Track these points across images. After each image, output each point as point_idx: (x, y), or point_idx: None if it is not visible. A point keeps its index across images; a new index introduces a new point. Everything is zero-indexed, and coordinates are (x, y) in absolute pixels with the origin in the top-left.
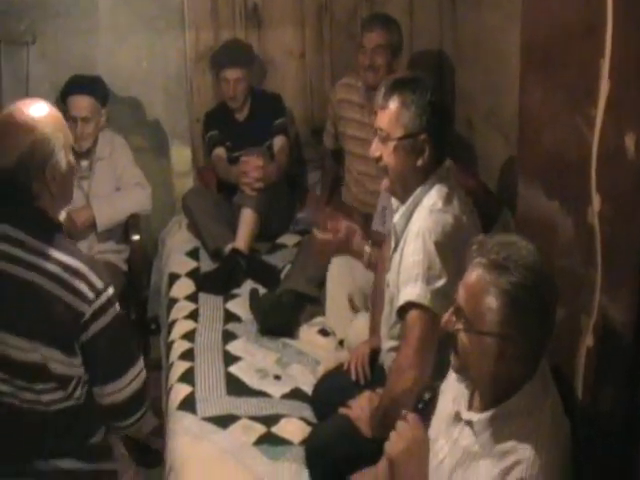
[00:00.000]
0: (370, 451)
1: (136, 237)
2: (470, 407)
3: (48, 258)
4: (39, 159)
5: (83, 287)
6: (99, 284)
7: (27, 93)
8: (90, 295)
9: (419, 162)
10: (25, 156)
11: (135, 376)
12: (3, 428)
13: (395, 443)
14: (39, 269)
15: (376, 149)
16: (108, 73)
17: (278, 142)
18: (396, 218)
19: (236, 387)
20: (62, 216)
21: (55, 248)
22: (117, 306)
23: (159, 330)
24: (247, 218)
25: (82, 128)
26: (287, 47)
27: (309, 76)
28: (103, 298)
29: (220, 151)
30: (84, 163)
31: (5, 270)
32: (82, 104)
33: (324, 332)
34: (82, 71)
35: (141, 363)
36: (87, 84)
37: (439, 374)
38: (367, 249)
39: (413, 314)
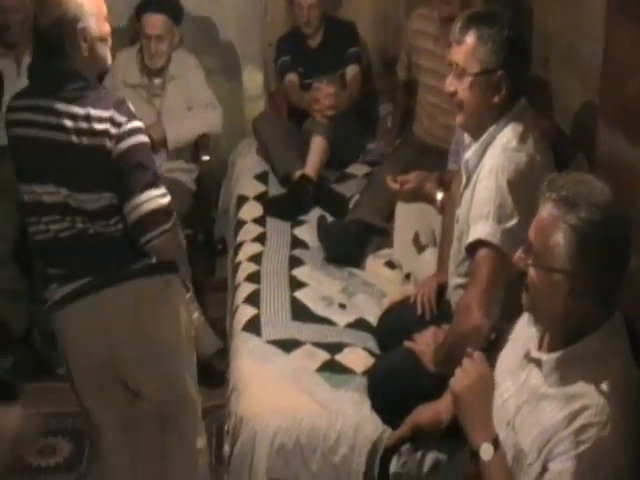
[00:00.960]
0: (432, 386)
1: (206, 157)
2: (540, 348)
3: (75, 117)
4: (70, 19)
5: (109, 127)
6: (122, 119)
7: None
8: (113, 131)
9: (495, 99)
10: (59, 17)
11: (156, 197)
12: (83, 249)
13: (460, 379)
14: (70, 129)
15: (451, 84)
16: None
17: (351, 71)
18: (468, 154)
19: (301, 313)
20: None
21: (83, 105)
22: (142, 137)
23: (225, 251)
24: (317, 145)
25: (156, 46)
26: None
27: (384, 5)
28: (126, 127)
29: (292, 77)
30: (157, 81)
31: (52, 138)
32: (156, 22)
33: (391, 264)
34: None
35: (163, 190)
36: (162, 2)
37: (507, 317)
38: (439, 196)
39: (482, 252)
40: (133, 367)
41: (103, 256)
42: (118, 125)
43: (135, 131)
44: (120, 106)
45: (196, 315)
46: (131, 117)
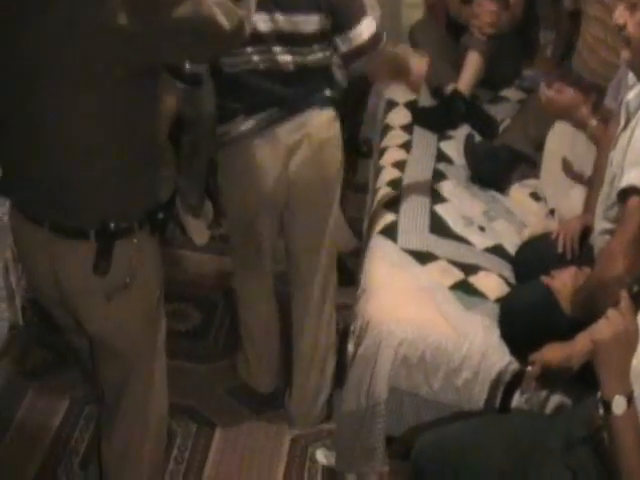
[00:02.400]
0: (566, 325)
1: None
2: None
3: None
4: None
5: None
6: None
7: None
8: None
9: None
10: None
11: (370, 24)
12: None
13: (604, 328)
14: None
15: (620, 16)
16: None
17: None
18: (630, 95)
19: (439, 227)
20: None
21: None
22: None
23: (369, 154)
24: (473, 61)
25: None
26: None
27: None
28: None
29: None
30: None
31: None
32: None
33: (536, 196)
34: None
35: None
36: None
37: None
38: (593, 122)
39: (635, 200)
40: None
41: (296, 87)
42: None
43: None
44: None
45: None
46: None
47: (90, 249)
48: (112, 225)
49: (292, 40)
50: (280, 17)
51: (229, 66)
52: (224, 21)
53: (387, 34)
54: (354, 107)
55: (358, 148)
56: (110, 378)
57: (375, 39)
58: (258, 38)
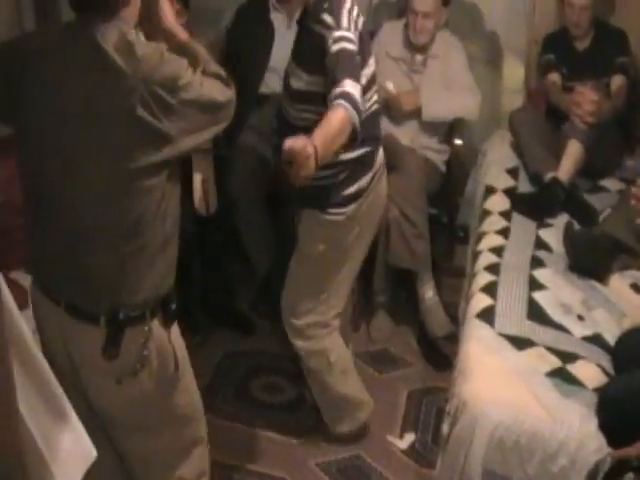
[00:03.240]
0: None
1: (459, 141)
2: None
3: None
4: None
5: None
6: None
7: None
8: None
9: None
10: None
11: None
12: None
13: None
14: None
15: None
16: None
17: (617, 81)
18: None
19: (537, 314)
20: None
21: None
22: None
23: (465, 239)
24: (573, 150)
25: (422, 23)
26: None
27: None
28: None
29: (555, 76)
30: (419, 57)
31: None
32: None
33: (636, 287)
34: None
35: None
36: None
37: None
38: None
39: None
40: None
41: None
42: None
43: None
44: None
45: (430, 294)
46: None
47: (101, 334)
48: (121, 314)
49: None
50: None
51: None
52: (221, 97)
53: (486, 119)
54: (451, 192)
55: (454, 233)
56: (132, 454)
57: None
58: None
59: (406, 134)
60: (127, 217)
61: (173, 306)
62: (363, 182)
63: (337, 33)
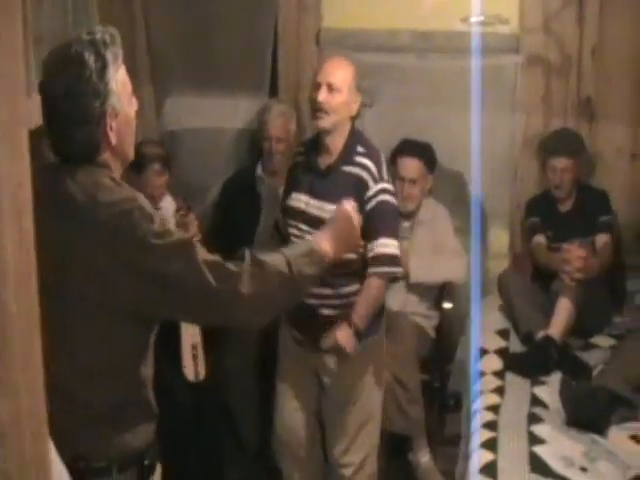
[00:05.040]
0: None
1: (448, 305)
2: None
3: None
4: None
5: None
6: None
7: None
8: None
9: None
10: None
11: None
12: None
13: None
14: None
15: None
16: (435, 144)
17: (601, 239)
18: None
19: (540, 467)
20: None
21: None
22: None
23: (457, 407)
24: (563, 307)
25: (409, 189)
26: (618, 144)
27: None
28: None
29: (540, 238)
30: (406, 225)
31: None
32: (411, 166)
33: (636, 438)
34: (412, 137)
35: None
36: (419, 148)
37: None
38: None
39: None
40: None
41: None
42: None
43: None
44: None
45: (426, 459)
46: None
47: None
48: (82, 464)
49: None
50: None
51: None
52: (212, 281)
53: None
54: (442, 358)
55: (445, 401)
56: None
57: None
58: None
59: (396, 300)
60: (90, 365)
61: (146, 462)
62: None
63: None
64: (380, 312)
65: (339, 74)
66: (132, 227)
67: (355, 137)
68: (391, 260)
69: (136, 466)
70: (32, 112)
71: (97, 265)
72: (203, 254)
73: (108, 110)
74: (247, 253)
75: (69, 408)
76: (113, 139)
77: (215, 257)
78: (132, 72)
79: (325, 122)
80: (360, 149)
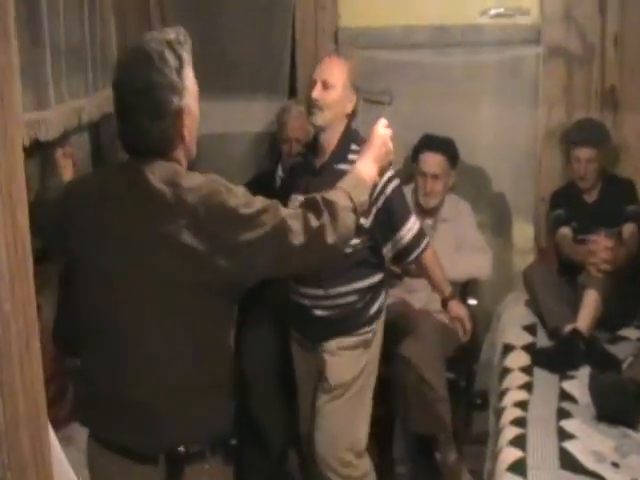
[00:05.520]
0: None
1: (473, 302)
2: None
3: None
4: None
5: None
6: None
7: None
8: None
9: None
10: None
11: None
12: None
13: None
14: None
15: None
16: (457, 138)
17: (628, 229)
18: None
19: (570, 463)
20: None
21: None
22: None
23: (484, 406)
24: (591, 300)
25: (431, 185)
26: None
27: None
28: None
29: (566, 230)
30: (428, 222)
31: None
32: (434, 161)
33: None
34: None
35: None
36: (442, 143)
37: None
38: None
39: None
40: None
41: None
42: None
43: None
44: None
45: (453, 458)
46: None
47: (158, 475)
48: (182, 449)
49: None
50: None
51: None
52: (296, 239)
53: (497, 281)
54: (468, 356)
55: (471, 399)
56: None
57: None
58: None
59: (419, 298)
60: (181, 348)
61: (233, 442)
62: (382, 301)
63: None
64: (374, 304)
65: (334, 71)
66: (222, 204)
67: (350, 135)
68: (422, 233)
69: (224, 448)
70: (51, 122)
71: (193, 248)
72: (286, 211)
73: (184, 107)
74: (318, 197)
75: (165, 395)
76: (186, 135)
77: (297, 211)
78: None
79: (319, 119)
80: (354, 147)
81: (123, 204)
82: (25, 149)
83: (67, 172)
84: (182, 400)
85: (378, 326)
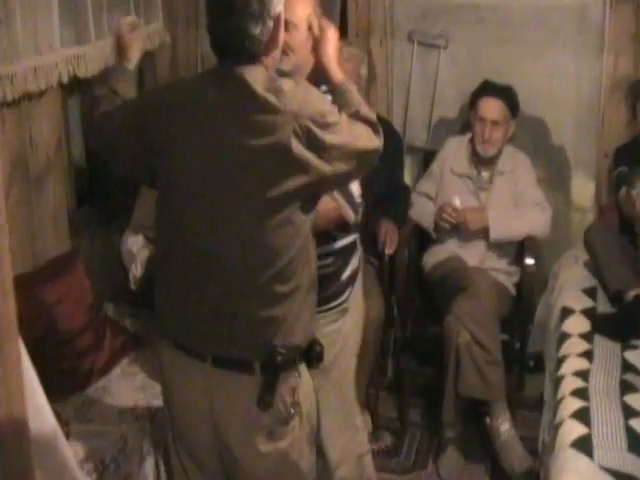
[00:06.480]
0: None
1: (530, 261)
2: None
3: None
4: None
5: None
6: None
7: (434, 95)
8: None
9: None
10: None
11: None
12: None
13: None
14: None
15: None
16: (516, 87)
17: None
18: None
19: (638, 445)
20: None
21: None
22: None
23: (536, 368)
24: None
25: (490, 132)
26: None
27: None
28: None
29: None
30: (485, 174)
31: None
32: (494, 107)
33: None
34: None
35: None
36: (502, 89)
37: None
38: None
39: None
40: None
41: None
42: None
43: None
44: None
45: (506, 427)
46: None
47: (254, 382)
48: (279, 357)
49: None
50: None
51: None
52: (367, 144)
53: (554, 240)
54: (523, 317)
55: (525, 362)
56: None
57: None
58: None
59: (473, 255)
60: (277, 260)
61: (319, 348)
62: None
63: None
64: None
65: (297, 8)
66: (316, 108)
67: (318, 77)
68: None
69: (308, 354)
70: (91, 57)
71: (301, 154)
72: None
73: (282, 15)
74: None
75: (265, 308)
76: (280, 42)
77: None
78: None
79: (286, 65)
80: (324, 88)
81: (232, 115)
82: (63, 86)
83: (133, 52)
84: (275, 308)
85: (353, 296)
